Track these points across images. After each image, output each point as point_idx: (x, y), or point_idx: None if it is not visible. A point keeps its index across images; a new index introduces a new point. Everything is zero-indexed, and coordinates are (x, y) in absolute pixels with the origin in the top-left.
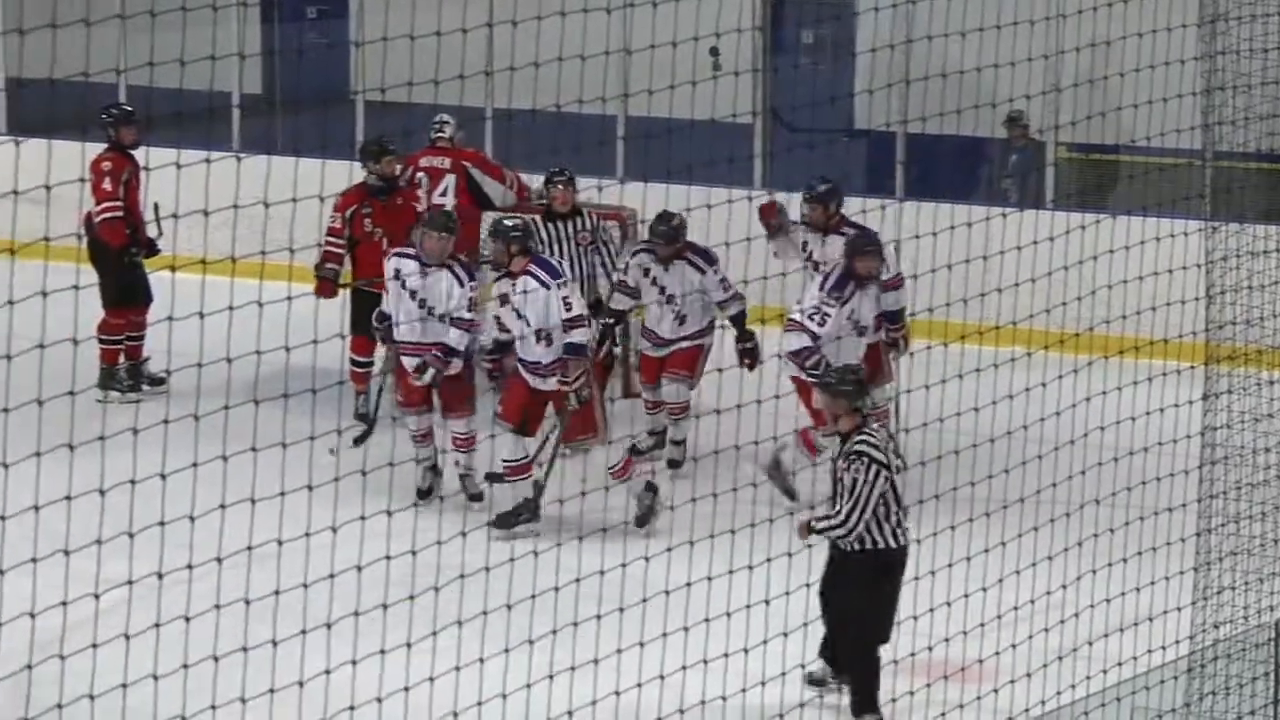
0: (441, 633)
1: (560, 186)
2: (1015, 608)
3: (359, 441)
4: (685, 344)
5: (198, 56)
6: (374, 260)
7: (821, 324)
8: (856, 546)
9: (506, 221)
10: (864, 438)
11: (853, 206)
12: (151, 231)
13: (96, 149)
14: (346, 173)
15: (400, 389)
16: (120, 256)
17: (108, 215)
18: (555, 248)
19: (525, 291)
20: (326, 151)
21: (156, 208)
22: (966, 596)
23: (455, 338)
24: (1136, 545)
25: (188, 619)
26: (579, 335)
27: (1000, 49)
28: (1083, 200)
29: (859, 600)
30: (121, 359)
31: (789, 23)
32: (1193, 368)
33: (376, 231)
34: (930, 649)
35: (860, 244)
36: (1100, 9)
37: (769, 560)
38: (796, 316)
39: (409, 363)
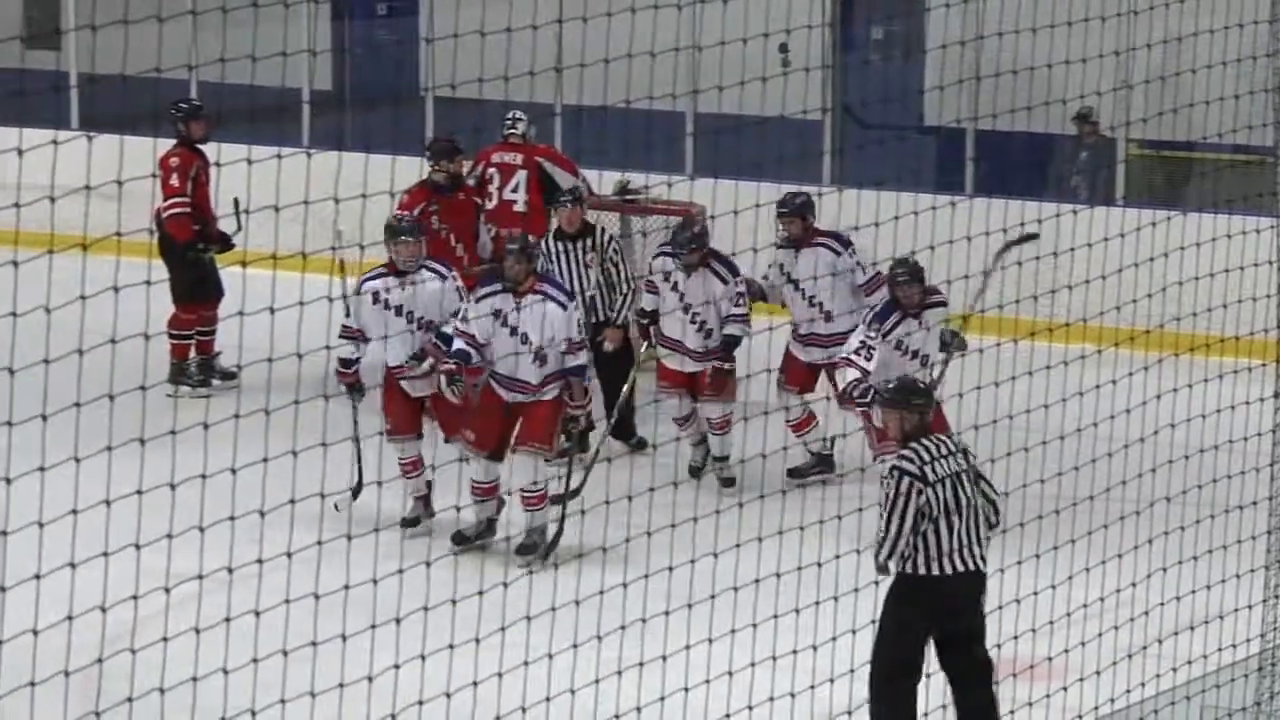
0: (510, 628)
1: (568, 208)
2: (1085, 605)
3: (355, 495)
4: (716, 361)
5: (269, 53)
6: (443, 257)
7: (869, 359)
8: (898, 568)
9: (529, 237)
10: (904, 451)
11: (922, 203)
12: (231, 226)
13: (168, 144)
14: (417, 169)
15: (389, 415)
16: (187, 251)
17: (175, 211)
18: (560, 265)
19: (530, 309)
20: (397, 148)
21: (237, 203)
22: (1036, 594)
23: (451, 328)
24: (1207, 543)
25: (258, 613)
26: (584, 356)
27: (1071, 45)
28: (1153, 197)
29: (887, 619)
30: (192, 354)
31: (859, 19)
32: (1264, 365)
33: (444, 228)
34: (999, 646)
35: (895, 274)
36: (1172, 5)
37: (838, 557)
38: (847, 354)
39: (413, 383)
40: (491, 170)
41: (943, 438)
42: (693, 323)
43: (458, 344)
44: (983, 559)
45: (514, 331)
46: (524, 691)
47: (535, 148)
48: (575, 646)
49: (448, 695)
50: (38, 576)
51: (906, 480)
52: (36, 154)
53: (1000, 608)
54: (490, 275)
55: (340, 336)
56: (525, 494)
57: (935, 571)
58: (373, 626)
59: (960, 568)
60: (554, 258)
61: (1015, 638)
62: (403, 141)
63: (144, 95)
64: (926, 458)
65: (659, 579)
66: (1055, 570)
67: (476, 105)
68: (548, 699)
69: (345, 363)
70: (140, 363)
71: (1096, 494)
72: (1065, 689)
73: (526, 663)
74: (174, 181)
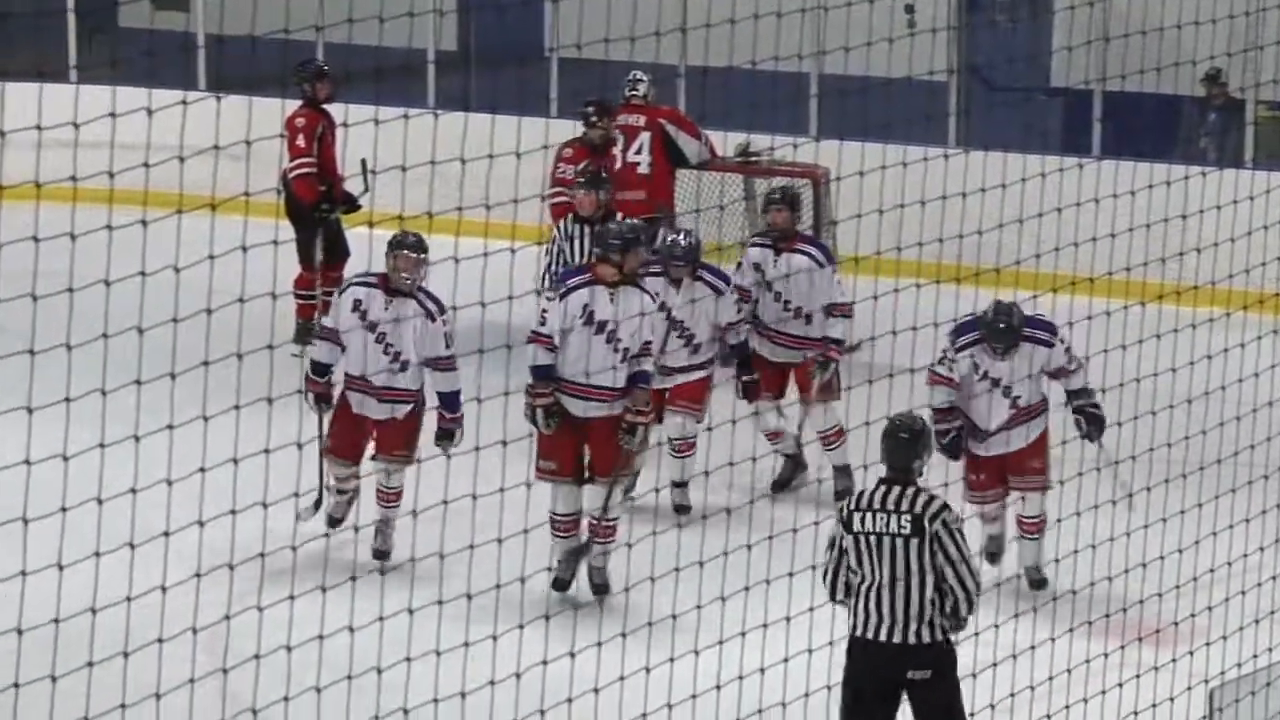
0: (633, 589)
1: (582, 191)
2: (1212, 570)
3: (317, 507)
4: (695, 374)
5: (395, 14)
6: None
7: (950, 370)
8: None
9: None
10: (858, 490)
11: (1049, 165)
12: (359, 187)
13: (295, 105)
14: (543, 130)
15: (331, 434)
16: (313, 212)
17: (301, 171)
18: (573, 247)
19: (625, 303)
20: (523, 109)
21: (365, 164)
22: (1163, 558)
23: (447, 381)
24: None
25: (382, 571)
26: (650, 362)
27: (1200, 6)
28: None
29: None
30: (318, 314)
31: None
32: None
33: None
34: (1125, 610)
35: (988, 328)
36: None
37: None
38: (930, 366)
39: (364, 402)
40: (616, 132)
41: (909, 494)
42: (680, 337)
43: (540, 358)
44: (914, 634)
45: (601, 329)
46: (647, 653)
47: (658, 109)
48: (699, 608)
49: (595, 691)
50: (166, 534)
51: (836, 516)
52: (165, 115)
53: (1127, 571)
54: (577, 268)
55: (315, 337)
56: (603, 523)
57: (858, 633)
58: (520, 627)
59: (880, 636)
60: (570, 239)
61: (1141, 602)
62: (528, 102)
63: (272, 56)
64: (864, 505)
65: (783, 540)
66: (1182, 534)
67: (601, 66)
68: (671, 660)
69: (318, 369)
70: (268, 322)
71: (1225, 458)
72: (1192, 653)
73: (650, 623)
74: (300, 142)
